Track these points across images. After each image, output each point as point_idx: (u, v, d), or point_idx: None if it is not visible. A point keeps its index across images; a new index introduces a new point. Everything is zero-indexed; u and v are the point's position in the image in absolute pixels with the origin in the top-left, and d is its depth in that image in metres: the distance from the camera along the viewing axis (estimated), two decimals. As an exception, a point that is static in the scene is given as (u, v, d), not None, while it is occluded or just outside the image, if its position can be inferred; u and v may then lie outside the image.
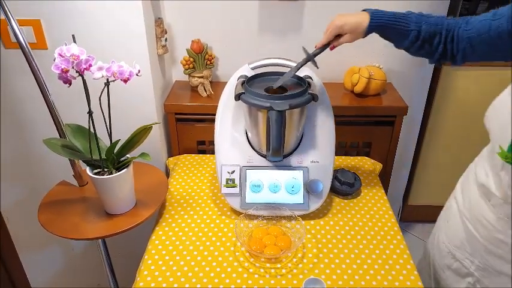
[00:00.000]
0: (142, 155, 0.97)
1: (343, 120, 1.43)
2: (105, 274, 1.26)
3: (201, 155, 1.44)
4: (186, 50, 1.43)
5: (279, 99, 0.99)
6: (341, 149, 1.52)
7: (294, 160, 1.13)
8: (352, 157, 1.43)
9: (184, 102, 1.43)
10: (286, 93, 1.02)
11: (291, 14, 1.44)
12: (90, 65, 0.85)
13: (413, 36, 0.94)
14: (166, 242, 1.06)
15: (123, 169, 1.00)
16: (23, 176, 1.46)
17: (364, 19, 0.94)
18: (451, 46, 0.94)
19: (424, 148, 1.93)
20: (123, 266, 1.43)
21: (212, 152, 1.25)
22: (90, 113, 0.92)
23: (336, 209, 1.18)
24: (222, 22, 1.46)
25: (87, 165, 1.01)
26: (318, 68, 1.04)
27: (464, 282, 0.98)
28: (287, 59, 1.11)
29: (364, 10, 0.97)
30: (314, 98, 1.02)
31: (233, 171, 1.12)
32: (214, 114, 1.17)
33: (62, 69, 0.83)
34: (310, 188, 1.10)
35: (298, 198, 1.11)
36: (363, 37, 0.97)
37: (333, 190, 1.22)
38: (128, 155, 1.03)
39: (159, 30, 1.33)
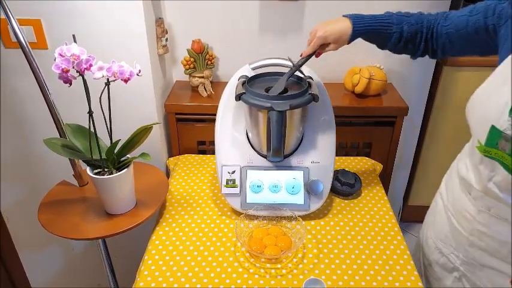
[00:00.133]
0: (143, 155, 0.97)
1: (343, 120, 1.43)
2: (105, 274, 1.26)
3: (201, 155, 1.44)
4: (187, 50, 1.43)
5: (280, 99, 0.99)
6: (341, 149, 1.52)
7: (294, 160, 1.13)
8: (352, 157, 1.43)
9: (184, 102, 1.43)
10: (286, 94, 1.02)
11: (292, 14, 1.44)
12: (91, 65, 0.85)
13: (395, 38, 0.96)
14: (167, 242, 1.06)
15: (123, 169, 0.99)
16: (23, 175, 1.46)
17: (347, 27, 0.95)
18: (431, 42, 0.97)
19: (424, 148, 1.93)
20: (123, 266, 1.43)
21: (212, 152, 1.25)
22: (90, 113, 0.92)
23: (337, 210, 1.18)
24: (222, 22, 1.46)
25: (88, 165, 1.01)
26: (304, 76, 1.05)
27: (451, 277, 1.00)
28: (287, 59, 1.11)
29: (344, 16, 0.98)
30: (314, 98, 1.01)
31: (233, 172, 1.12)
32: (215, 114, 1.17)
33: (63, 69, 0.83)
34: (310, 189, 1.10)
35: (299, 198, 1.11)
36: (347, 44, 0.98)
37: (334, 190, 1.22)
38: (128, 155, 1.03)
39: (160, 30, 1.33)
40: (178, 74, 1.55)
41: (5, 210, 1.49)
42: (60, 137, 1.05)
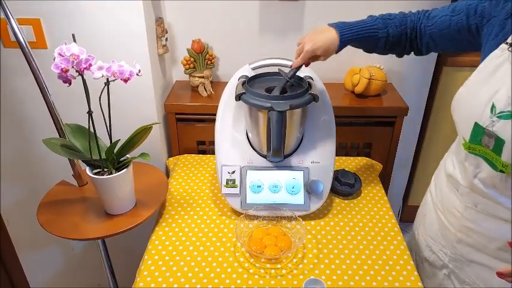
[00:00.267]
0: (142, 155, 0.97)
1: (343, 120, 1.43)
2: (105, 274, 1.26)
3: (201, 155, 1.44)
4: (187, 49, 1.43)
5: (280, 99, 0.98)
6: (341, 149, 1.52)
7: (294, 160, 1.13)
8: (352, 158, 1.43)
9: (184, 102, 1.43)
10: (286, 94, 1.02)
11: (292, 14, 1.44)
12: (90, 65, 0.85)
13: (382, 42, 0.98)
14: (166, 242, 1.06)
15: (123, 169, 0.99)
16: (23, 176, 1.45)
17: (334, 38, 0.95)
18: (415, 42, 0.99)
19: (424, 148, 1.93)
20: (123, 266, 1.43)
21: (212, 152, 1.24)
22: (90, 112, 0.92)
23: (337, 210, 1.17)
24: (222, 22, 1.46)
25: (87, 165, 1.01)
26: (293, 85, 1.07)
27: (441, 274, 1.02)
28: (288, 59, 1.11)
29: (330, 25, 0.98)
30: (315, 98, 1.01)
31: (233, 172, 1.12)
32: (215, 114, 1.17)
33: (62, 68, 0.83)
34: (310, 189, 1.10)
35: (299, 198, 1.11)
36: (336, 53, 0.98)
37: (334, 191, 1.22)
38: (127, 155, 1.03)
39: (160, 30, 1.33)
40: (178, 73, 1.55)
41: (4, 210, 1.49)
42: (60, 137, 1.05)
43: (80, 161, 1.10)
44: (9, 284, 1.60)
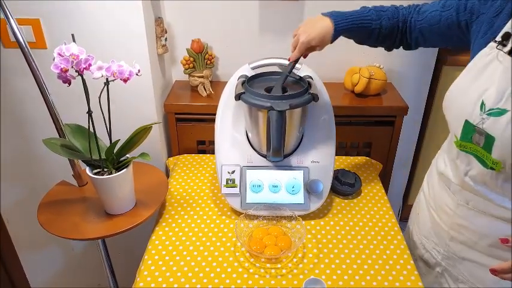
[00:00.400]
0: (142, 155, 0.97)
1: (343, 120, 1.43)
2: (105, 274, 1.26)
3: (201, 155, 1.44)
4: (186, 49, 1.43)
5: (280, 99, 0.98)
6: (341, 149, 1.52)
7: (294, 160, 1.13)
8: (352, 157, 1.43)
9: (184, 102, 1.43)
10: (286, 93, 1.02)
11: (292, 14, 1.43)
12: (90, 65, 0.85)
13: (375, 33, 0.98)
14: (166, 242, 1.06)
15: (123, 169, 0.99)
16: (23, 176, 1.45)
17: (328, 27, 0.96)
18: (405, 36, 0.99)
19: (424, 148, 1.92)
20: (123, 266, 1.43)
21: (212, 152, 1.24)
22: (89, 112, 0.92)
23: (336, 209, 1.17)
24: (222, 22, 1.46)
25: (87, 165, 1.01)
26: (293, 78, 1.07)
27: (434, 272, 1.02)
28: (287, 59, 1.11)
29: (324, 14, 0.98)
30: (314, 98, 1.01)
31: (233, 171, 1.12)
32: (215, 114, 1.17)
33: (62, 68, 0.83)
34: (310, 188, 1.10)
35: (299, 198, 1.11)
36: (331, 43, 0.99)
37: (333, 190, 1.22)
38: (127, 155, 1.03)
39: (159, 29, 1.33)
40: (178, 73, 1.55)
41: (5, 210, 1.49)
42: (60, 137, 1.05)
43: (80, 161, 1.10)
44: (9, 284, 1.60)
